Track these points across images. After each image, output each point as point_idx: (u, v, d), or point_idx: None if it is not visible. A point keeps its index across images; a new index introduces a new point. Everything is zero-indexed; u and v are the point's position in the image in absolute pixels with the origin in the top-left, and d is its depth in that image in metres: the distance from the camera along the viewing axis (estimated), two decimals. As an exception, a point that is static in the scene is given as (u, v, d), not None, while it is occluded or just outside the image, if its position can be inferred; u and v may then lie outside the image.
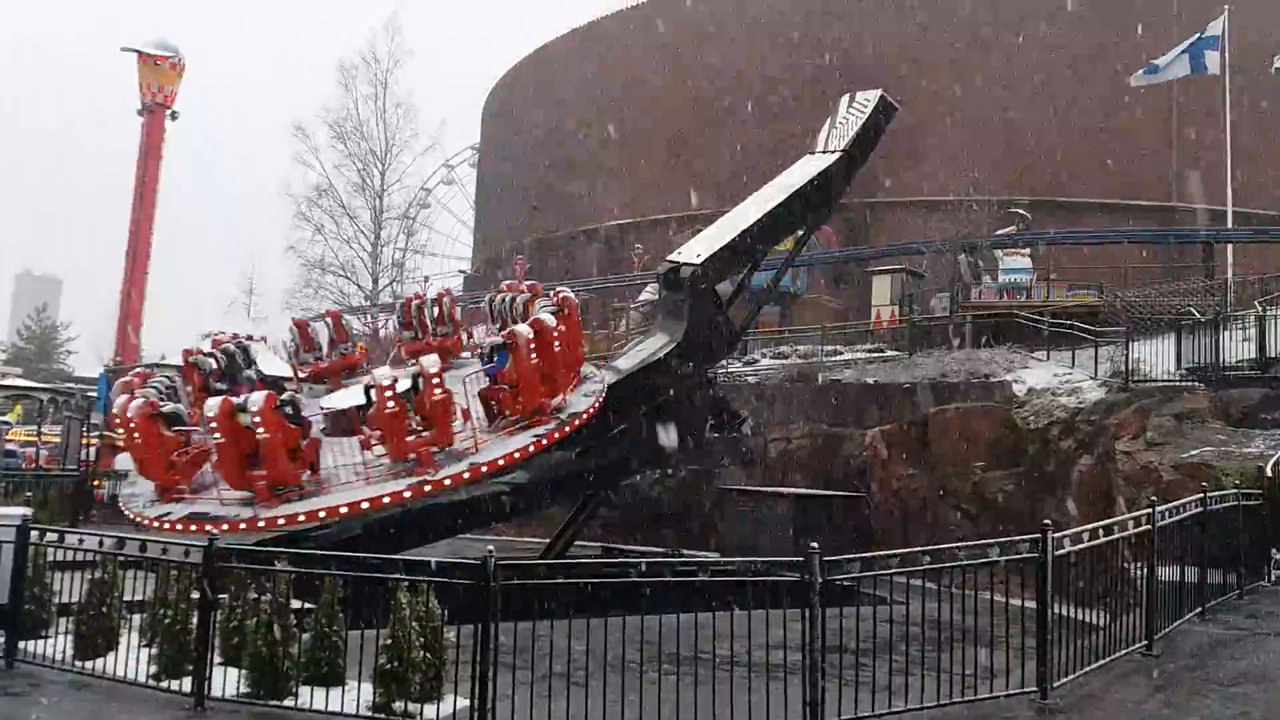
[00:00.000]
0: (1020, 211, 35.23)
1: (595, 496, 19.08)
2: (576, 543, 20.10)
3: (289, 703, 7.93)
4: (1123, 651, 8.47)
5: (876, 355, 27.39)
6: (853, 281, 37.06)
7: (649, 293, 36.25)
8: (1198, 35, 30.96)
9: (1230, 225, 31.57)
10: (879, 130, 20.74)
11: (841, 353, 28.29)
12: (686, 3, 47.49)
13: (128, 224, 42.62)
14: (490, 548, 7.30)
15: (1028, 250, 30.96)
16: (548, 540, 20.35)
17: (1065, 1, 39.29)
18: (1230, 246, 32.39)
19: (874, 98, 20.54)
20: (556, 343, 15.77)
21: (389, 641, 7.62)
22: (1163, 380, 18.58)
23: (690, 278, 18.30)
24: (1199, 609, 9.96)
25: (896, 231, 35.95)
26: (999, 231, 32.86)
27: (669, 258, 19.74)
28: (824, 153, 20.63)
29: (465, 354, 19.77)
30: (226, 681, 8.13)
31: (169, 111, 43.47)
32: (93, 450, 28.59)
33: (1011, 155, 38.11)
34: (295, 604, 8.41)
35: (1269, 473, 12.28)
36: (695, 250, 19.08)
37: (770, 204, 19.81)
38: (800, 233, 22.43)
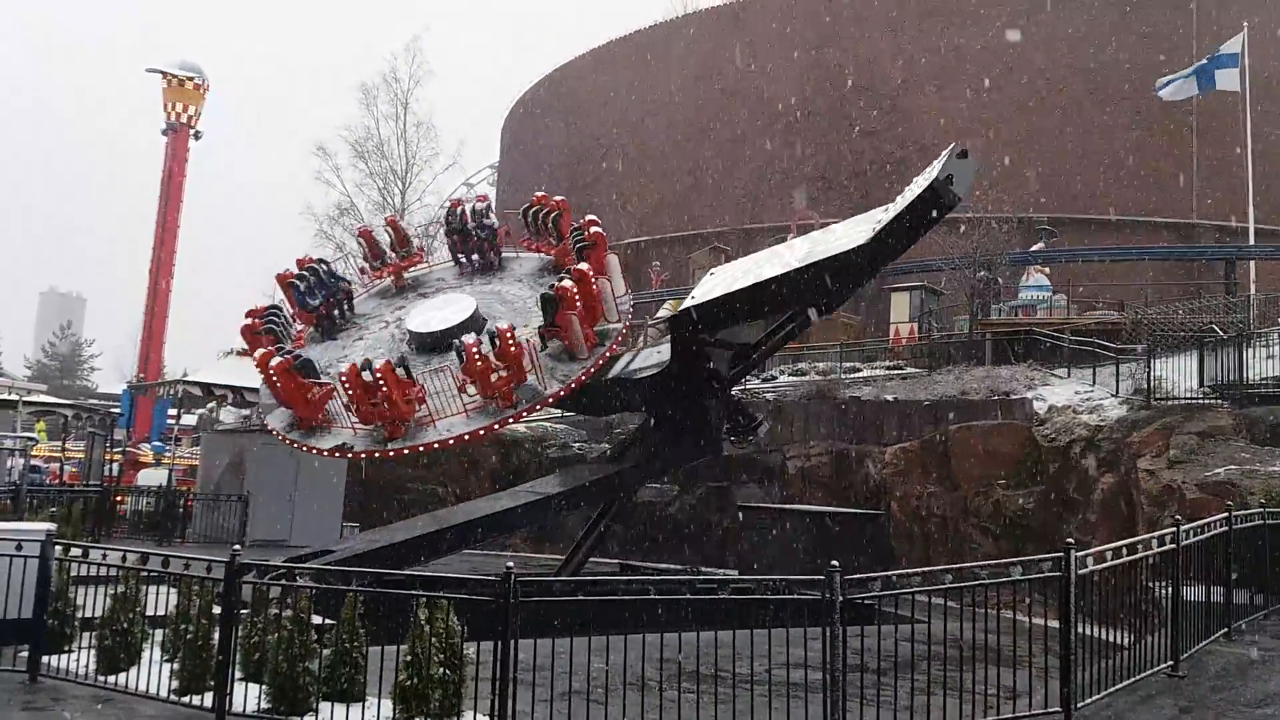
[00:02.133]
0: (1048, 228, 35.12)
1: (612, 508, 19.05)
2: (595, 561, 20.06)
3: (309, 719, 7.95)
4: (1148, 672, 8.39)
5: (895, 372, 27.27)
6: (871, 298, 36.98)
7: (666, 309, 36.28)
8: (1208, 57, 30.85)
9: (1252, 242, 31.35)
10: (923, 221, 15.63)
11: (860, 370, 28.19)
12: (703, 24, 47.75)
13: (151, 242, 43.16)
14: (510, 564, 7.31)
15: (1048, 269, 30.84)
16: (564, 557, 20.34)
17: (1084, 19, 39.26)
18: (1252, 263, 32.15)
19: (931, 175, 15.08)
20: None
21: (409, 658, 7.62)
22: (1185, 398, 18.40)
23: (669, 320, 18.26)
24: (1225, 629, 9.85)
25: (915, 248, 35.97)
26: (1033, 248, 32.79)
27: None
28: (877, 222, 15.89)
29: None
30: (247, 697, 8.16)
31: (193, 131, 44.13)
32: (115, 466, 28.90)
33: (1030, 172, 38.03)
34: (316, 619, 8.44)
35: (1295, 492, 12.15)
36: (694, 293, 18.04)
37: (771, 272, 16.54)
38: (803, 314, 17.75)
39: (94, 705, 8.47)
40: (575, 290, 17.13)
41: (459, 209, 21.27)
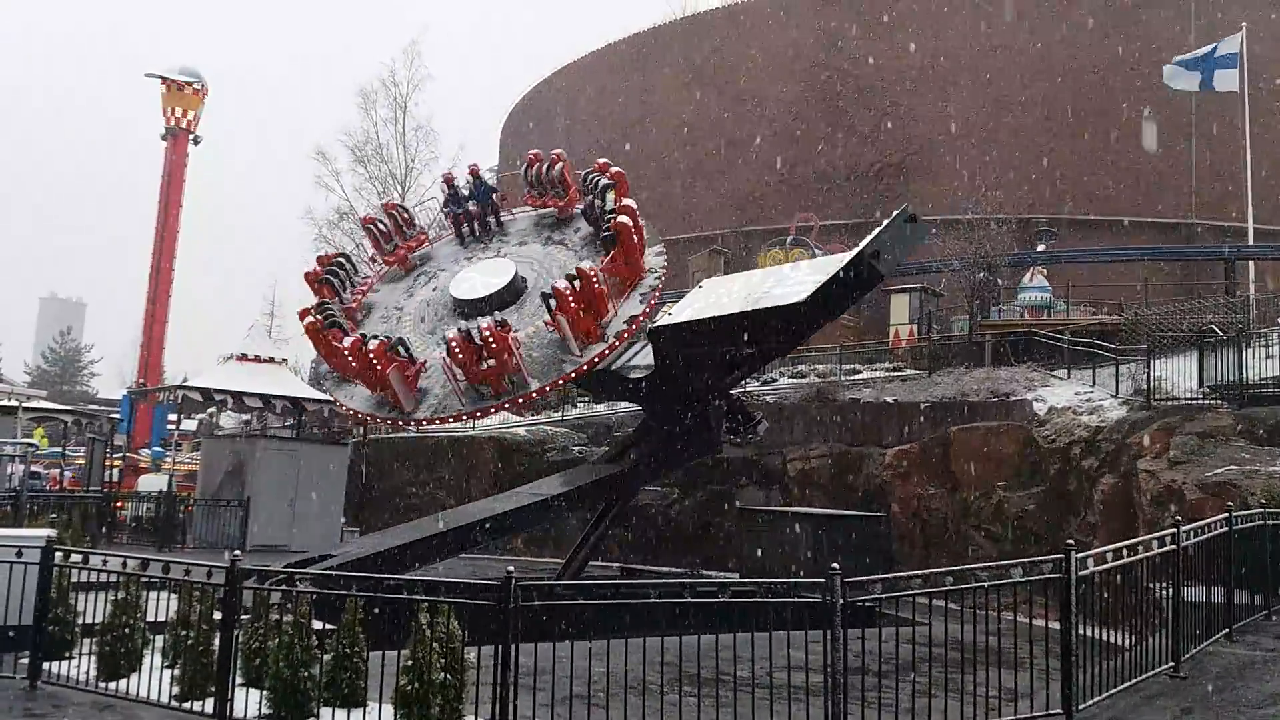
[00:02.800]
0: (1048, 229, 35.13)
1: (612, 510, 19.06)
2: (596, 564, 20.06)
3: (310, 724, 7.94)
4: (1149, 673, 8.38)
5: (895, 374, 27.29)
6: (870, 300, 37.00)
7: (663, 313, 36.26)
8: (1211, 48, 30.89)
9: (1251, 242, 31.36)
10: (850, 290, 16.15)
11: (860, 372, 28.22)
12: (702, 27, 47.79)
13: (151, 247, 43.14)
14: (510, 568, 7.30)
15: (1046, 270, 30.86)
16: (565, 560, 20.33)
17: (1082, 19, 39.31)
18: (1251, 264, 32.16)
19: (862, 245, 15.60)
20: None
21: (410, 663, 7.62)
22: (1185, 399, 18.42)
23: (648, 332, 18.49)
24: (1226, 630, 9.84)
25: (914, 250, 35.98)
26: (1039, 248, 32.80)
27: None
28: (825, 274, 16.04)
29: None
30: (248, 703, 8.16)
31: (192, 136, 44.09)
32: (115, 472, 28.91)
33: (1028, 173, 38.04)
34: (316, 625, 8.44)
35: (1295, 492, 12.14)
36: (677, 306, 18.67)
37: (731, 307, 16.97)
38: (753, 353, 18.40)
39: (95, 712, 8.46)
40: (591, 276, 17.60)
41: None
